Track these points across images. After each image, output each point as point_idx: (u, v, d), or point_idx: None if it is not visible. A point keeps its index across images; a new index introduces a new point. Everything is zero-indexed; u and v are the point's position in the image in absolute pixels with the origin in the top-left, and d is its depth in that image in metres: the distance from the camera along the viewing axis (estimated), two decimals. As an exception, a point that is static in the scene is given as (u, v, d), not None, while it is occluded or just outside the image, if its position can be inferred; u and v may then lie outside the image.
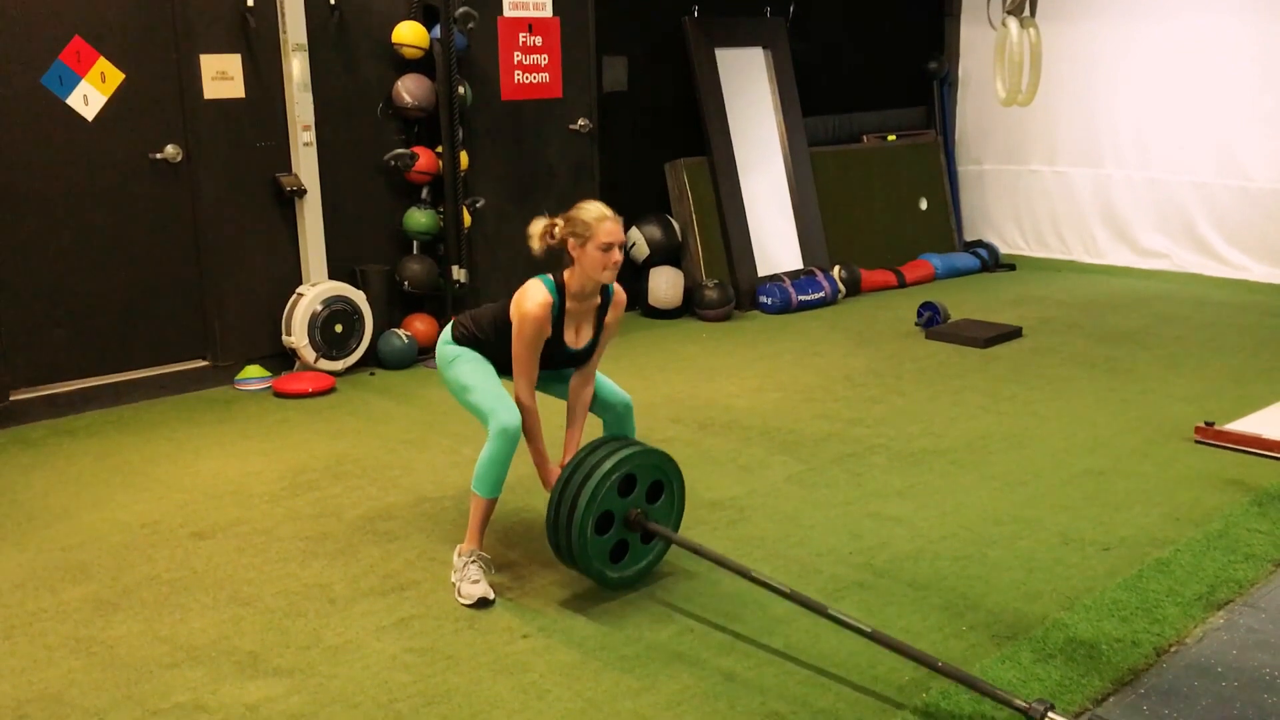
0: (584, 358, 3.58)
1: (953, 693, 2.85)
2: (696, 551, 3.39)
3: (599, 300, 3.51)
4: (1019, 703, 2.65)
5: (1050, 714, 2.61)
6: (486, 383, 3.49)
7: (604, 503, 3.29)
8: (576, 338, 3.51)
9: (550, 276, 3.44)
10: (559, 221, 3.41)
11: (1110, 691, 2.86)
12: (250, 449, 4.81)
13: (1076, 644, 3.07)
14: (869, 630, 2.94)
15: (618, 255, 3.35)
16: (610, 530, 3.37)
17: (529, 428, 3.52)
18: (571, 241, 3.36)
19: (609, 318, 3.56)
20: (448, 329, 3.66)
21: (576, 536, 3.27)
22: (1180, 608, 3.26)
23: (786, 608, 3.32)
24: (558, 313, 3.42)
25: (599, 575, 3.39)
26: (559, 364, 3.56)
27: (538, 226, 3.44)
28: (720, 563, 3.33)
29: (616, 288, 3.56)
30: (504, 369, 3.56)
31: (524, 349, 3.41)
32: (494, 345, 3.54)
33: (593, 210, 3.37)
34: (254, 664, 3.07)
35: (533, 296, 3.37)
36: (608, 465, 3.29)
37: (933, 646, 3.07)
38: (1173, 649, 3.07)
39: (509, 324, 3.45)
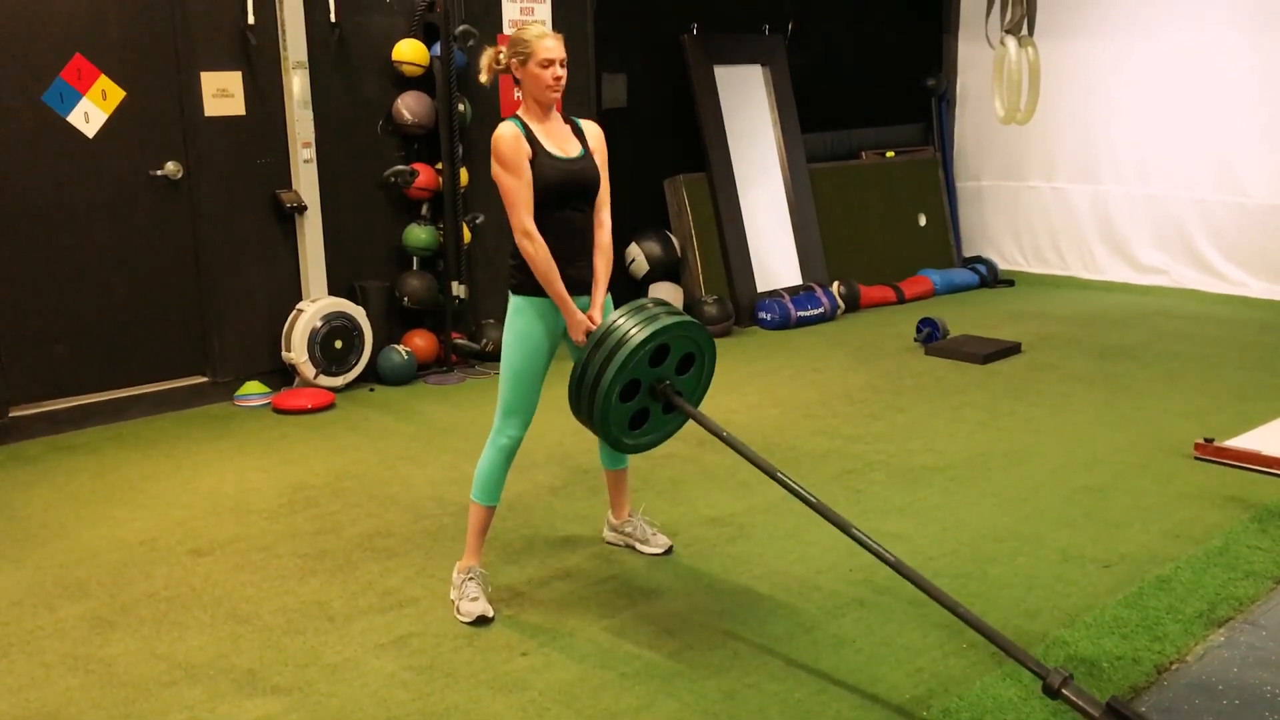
0: (584, 177, 3.41)
1: (954, 711, 2.84)
2: (716, 434, 3.31)
3: (570, 127, 3.47)
4: (1035, 666, 2.71)
5: (1068, 686, 2.63)
6: (525, 380, 3.39)
7: (634, 372, 3.22)
8: (562, 149, 3.40)
9: (507, 117, 3.42)
10: (503, 47, 3.41)
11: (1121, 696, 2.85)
12: (249, 465, 4.81)
13: (1077, 661, 3.06)
14: (892, 559, 2.96)
15: (559, 71, 3.34)
16: (635, 398, 3.31)
17: (540, 261, 3.31)
18: (514, 63, 3.36)
19: (591, 138, 3.50)
20: (510, 275, 3.50)
21: (601, 402, 3.20)
22: (1181, 625, 3.25)
23: (785, 625, 3.31)
24: (528, 134, 3.35)
25: (614, 440, 3.34)
26: (562, 190, 3.37)
27: (485, 56, 3.46)
28: (742, 453, 3.27)
29: (587, 120, 3.55)
30: (567, 260, 3.37)
31: (510, 176, 3.31)
32: (543, 243, 3.34)
33: (533, 29, 3.37)
34: (252, 682, 3.06)
35: (499, 128, 3.34)
36: (643, 335, 3.19)
37: (933, 664, 3.07)
38: (1173, 667, 3.06)
39: (533, 210, 3.32)
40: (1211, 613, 3.33)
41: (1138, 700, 2.90)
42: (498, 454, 3.42)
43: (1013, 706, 2.84)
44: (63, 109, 5.19)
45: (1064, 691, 2.65)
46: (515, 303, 3.44)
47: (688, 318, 3.33)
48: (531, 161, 3.32)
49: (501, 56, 3.41)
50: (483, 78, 3.49)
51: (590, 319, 3.41)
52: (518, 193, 3.32)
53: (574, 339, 3.41)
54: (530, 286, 3.40)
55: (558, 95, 3.38)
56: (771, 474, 3.23)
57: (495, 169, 3.34)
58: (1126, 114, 8.24)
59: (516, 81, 3.41)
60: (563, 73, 3.36)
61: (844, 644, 3.20)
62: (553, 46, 3.34)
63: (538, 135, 3.37)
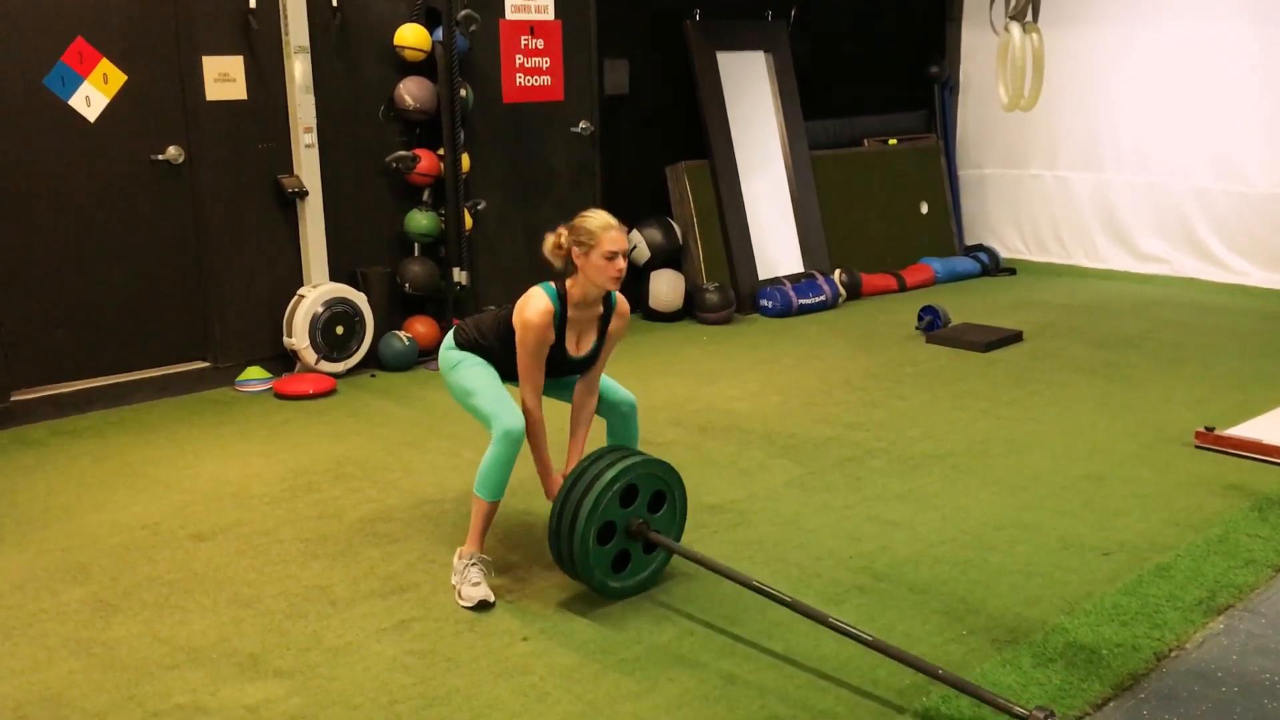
0: (586, 365, 3.58)
1: (953, 697, 2.85)
2: (698, 561, 3.39)
3: (601, 309, 3.52)
4: (1019, 710, 2.65)
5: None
6: (489, 387, 3.49)
7: (605, 513, 3.29)
8: (578, 346, 3.52)
9: (552, 285, 3.45)
10: (563, 231, 3.43)
11: (1110, 697, 2.87)
12: (251, 450, 4.81)
13: (1077, 649, 3.07)
14: (870, 639, 2.94)
15: (622, 263, 3.37)
16: (612, 540, 3.37)
17: (534, 435, 3.53)
18: (576, 250, 3.38)
19: (613, 327, 3.57)
20: (450, 335, 3.66)
21: (579, 547, 3.27)
22: (1180, 613, 3.26)
23: (785, 611, 3.32)
24: (559, 321, 3.43)
25: (600, 585, 3.38)
26: (562, 372, 3.57)
27: (549, 243, 3.47)
28: (722, 573, 3.32)
29: (620, 297, 3.57)
30: (507, 374, 3.56)
31: (528, 357, 3.43)
32: (497, 351, 3.55)
33: (597, 219, 3.39)
34: (254, 666, 3.07)
35: (534, 305, 3.39)
36: (609, 475, 3.28)
37: (933, 650, 3.08)
38: (1173, 654, 3.07)
39: (512, 331, 3.46)
40: (1211, 600, 3.34)
41: (1137, 688, 2.91)
42: (501, 449, 3.40)
43: (1012, 692, 2.85)
44: (64, 93, 5.18)
45: None
46: (456, 355, 3.57)
47: (652, 457, 3.42)
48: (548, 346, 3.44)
49: (563, 240, 3.42)
50: (553, 262, 3.49)
51: (563, 474, 3.56)
52: (531, 375, 3.46)
53: (549, 498, 3.59)
54: (482, 353, 3.55)
55: (618, 285, 3.42)
56: (746, 583, 3.24)
57: (517, 333, 3.43)
58: (1129, 102, 8.23)
59: (574, 265, 3.41)
60: (625, 265, 3.39)
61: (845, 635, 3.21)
62: (617, 238, 3.36)
63: (567, 326, 3.46)
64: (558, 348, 3.47)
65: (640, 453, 3.45)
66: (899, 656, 2.89)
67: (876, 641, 2.93)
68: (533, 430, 3.51)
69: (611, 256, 3.35)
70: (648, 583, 3.51)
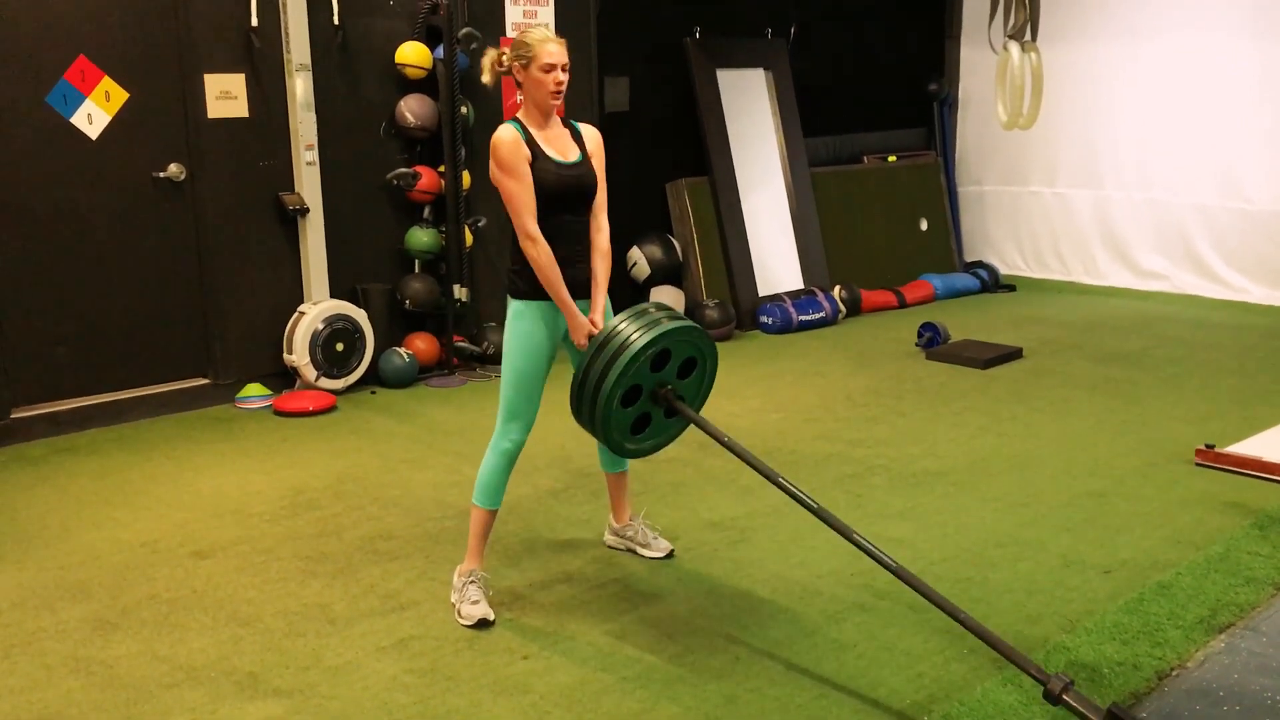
0: (582, 183, 3.42)
1: (955, 716, 2.84)
2: (718, 439, 3.31)
3: (568, 131, 3.47)
4: (1038, 672, 2.70)
5: (1069, 692, 2.62)
6: (527, 383, 3.39)
7: (635, 377, 3.22)
8: (562, 154, 3.41)
9: (507, 119, 3.42)
10: (506, 49, 3.41)
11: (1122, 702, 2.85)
12: (251, 468, 4.81)
13: (1078, 667, 3.06)
14: (893, 564, 2.96)
15: (561, 77, 3.34)
16: (636, 403, 3.31)
17: (544, 264, 3.32)
18: (517, 66, 3.36)
19: (590, 142, 3.50)
20: (508, 282, 3.50)
21: (602, 407, 3.21)
22: (1181, 631, 3.26)
23: (786, 630, 3.32)
24: (528, 139, 3.35)
25: (616, 445, 3.34)
26: (561, 195, 3.38)
27: (487, 57, 3.46)
28: (743, 458, 3.28)
29: (586, 125, 3.55)
30: (564, 274, 3.37)
31: (511, 180, 3.31)
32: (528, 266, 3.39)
33: (536, 33, 3.37)
34: (253, 684, 3.06)
35: (498, 132, 3.34)
36: (645, 340, 3.18)
37: (934, 669, 3.07)
38: (1174, 673, 3.06)
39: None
40: (1212, 619, 3.33)
41: (1138, 706, 2.90)
42: (500, 458, 3.42)
43: (1014, 712, 2.84)
44: (66, 110, 5.19)
45: (1065, 698, 2.65)
46: (515, 307, 3.44)
47: (689, 322, 3.33)
48: (531, 165, 3.33)
49: (504, 58, 3.41)
50: (485, 78, 3.50)
51: (592, 322, 3.42)
52: (519, 196, 3.32)
53: (576, 342, 3.41)
54: (530, 290, 3.40)
55: (559, 101, 3.38)
56: (773, 479, 3.23)
57: (494, 172, 3.35)
58: (1128, 119, 8.25)
59: (518, 84, 3.41)
60: (564, 78, 3.36)
61: (845, 649, 3.20)
62: (555, 51, 3.34)
63: (537, 139, 3.37)
64: (541, 158, 3.34)
65: (677, 315, 3.34)
66: (923, 591, 2.94)
67: (899, 570, 2.97)
68: (542, 258, 3.31)
69: (549, 69, 3.32)
70: (662, 445, 3.48)
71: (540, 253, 3.32)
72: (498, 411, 3.45)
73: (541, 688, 3.02)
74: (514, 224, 3.36)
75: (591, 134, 3.54)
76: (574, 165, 3.42)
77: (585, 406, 3.28)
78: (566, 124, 3.50)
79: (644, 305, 3.36)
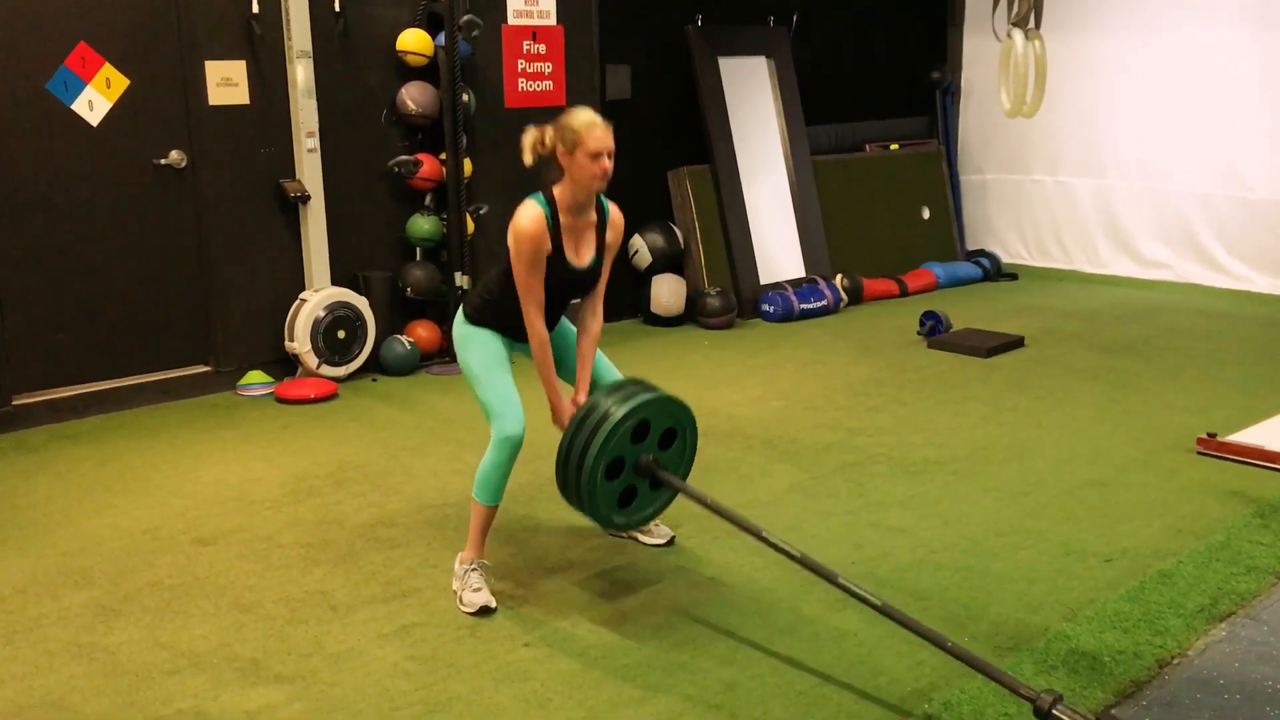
0: (589, 279, 3.46)
1: (955, 703, 2.84)
2: (703, 504, 3.34)
3: (595, 217, 3.43)
4: (1026, 690, 2.66)
5: (1059, 706, 2.61)
6: (497, 378, 3.41)
7: (616, 449, 3.24)
8: (578, 254, 3.40)
9: (540, 194, 3.35)
10: (549, 129, 3.33)
11: (1112, 704, 2.86)
12: (252, 455, 4.81)
13: (1079, 655, 3.07)
14: (879, 603, 2.95)
15: (607, 163, 3.27)
16: (620, 475, 3.33)
17: (543, 358, 3.41)
18: (560, 150, 3.28)
19: (609, 238, 3.47)
20: (460, 309, 3.55)
21: (587, 481, 3.23)
22: (1182, 620, 3.26)
23: (787, 618, 3.32)
24: (554, 228, 3.32)
25: (605, 519, 3.36)
26: (565, 290, 3.44)
27: (529, 137, 3.37)
28: (728, 518, 3.30)
29: (613, 207, 3.50)
30: (521, 330, 3.43)
31: (525, 268, 3.30)
32: (506, 301, 3.41)
33: (582, 117, 3.28)
34: (255, 671, 3.07)
35: (526, 213, 3.28)
36: (623, 411, 3.21)
37: (934, 657, 3.07)
38: (1175, 661, 3.06)
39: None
40: (1213, 607, 3.33)
41: (1139, 695, 2.90)
42: (500, 452, 3.40)
43: (1014, 699, 2.85)
44: (67, 97, 5.18)
45: (1055, 712, 2.63)
46: (467, 330, 3.48)
47: (666, 393, 3.36)
48: (546, 258, 3.32)
49: (547, 139, 3.32)
50: (526, 159, 3.40)
51: (575, 402, 3.47)
52: (531, 289, 3.34)
53: (558, 426, 3.46)
54: (490, 322, 3.46)
55: (604, 186, 3.33)
56: (757, 534, 3.23)
57: (511, 247, 3.32)
58: (1131, 108, 8.23)
59: (559, 166, 3.32)
60: (610, 164, 3.28)
61: (845, 637, 3.21)
62: (601, 137, 3.26)
63: (561, 234, 3.34)
64: (558, 258, 3.34)
65: (654, 387, 3.37)
66: (906, 624, 2.91)
67: (885, 606, 2.95)
68: (541, 353, 3.40)
69: (596, 156, 3.24)
70: (651, 517, 3.52)
71: (539, 346, 3.40)
72: (484, 416, 3.45)
73: (543, 675, 3.03)
74: (521, 305, 3.36)
75: (615, 224, 3.50)
76: (584, 270, 3.43)
77: (571, 482, 3.31)
78: (598, 205, 3.44)
79: (620, 380, 3.42)
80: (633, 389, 3.34)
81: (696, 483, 4.40)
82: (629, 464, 3.33)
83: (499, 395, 3.40)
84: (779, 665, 3.07)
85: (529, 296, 3.35)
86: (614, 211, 3.50)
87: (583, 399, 3.47)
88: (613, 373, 3.64)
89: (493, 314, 3.46)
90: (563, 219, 3.34)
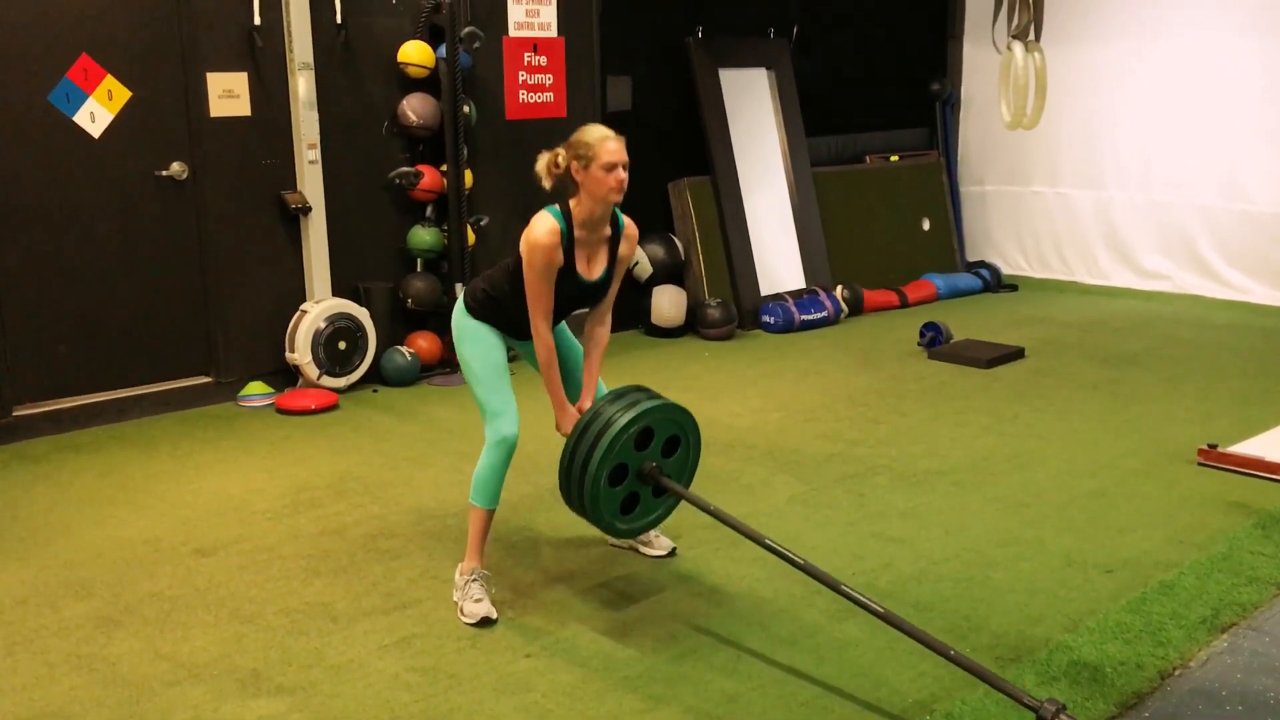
0: (599, 292, 3.47)
1: (957, 715, 2.84)
2: (707, 510, 3.34)
3: (609, 231, 3.44)
4: (1029, 700, 2.66)
5: (1062, 716, 2.61)
6: (494, 377, 3.42)
7: (619, 455, 3.25)
8: (589, 268, 3.41)
9: (556, 206, 3.35)
10: (561, 150, 3.34)
11: (1114, 715, 2.86)
12: (253, 466, 4.81)
13: (1080, 667, 3.06)
14: (881, 610, 2.95)
15: (622, 175, 3.28)
16: (623, 482, 3.33)
17: (548, 366, 3.41)
18: (575, 165, 3.29)
19: (622, 251, 3.47)
20: (461, 297, 3.55)
21: (590, 487, 3.23)
22: (1184, 631, 3.25)
23: (789, 628, 3.32)
24: (567, 242, 3.33)
25: (608, 526, 3.36)
26: (573, 301, 3.45)
27: (542, 161, 3.38)
28: (731, 525, 3.30)
29: (627, 220, 3.50)
30: (522, 329, 3.44)
31: (536, 278, 3.30)
32: (510, 299, 3.42)
33: (595, 132, 3.31)
34: (256, 682, 3.06)
35: (541, 225, 3.28)
36: (626, 418, 3.22)
37: (936, 668, 3.07)
38: (1177, 672, 3.06)
39: (522, 273, 3.35)
40: (1215, 618, 3.33)
41: (1141, 706, 2.90)
42: (495, 454, 3.41)
43: (1015, 711, 2.84)
44: (69, 109, 5.20)
45: None
46: (465, 324, 3.48)
47: (670, 401, 3.37)
48: (558, 270, 3.33)
49: (560, 159, 3.34)
50: (545, 184, 3.40)
51: (579, 409, 3.49)
52: (540, 298, 3.34)
53: (561, 432, 3.46)
54: (492, 319, 3.46)
55: (620, 198, 3.33)
56: (759, 541, 3.24)
57: (524, 256, 3.32)
58: (1131, 120, 8.24)
59: (574, 183, 3.32)
60: (625, 176, 3.29)
61: (847, 647, 3.20)
62: (615, 149, 3.27)
63: (575, 248, 3.35)
64: (569, 271, 3.35)
65: (657, 395, 3.38)
66: (910, 632, 2.92)
67: (888, 614, 2.95)
68: (547, 360, 3.41)
69: (611, 168, 3.26)
70: (654, 524, 3.52)
71: (546, 353, 3.40)
72: (481, 418, 3.45)
73: (544, 686, 3.02)
74: (529, 313, 3.36)
75: (630, 237, 3.51)
76: (594, 284, 3.45)
77: (574, 488, 3.32)
78: (612, 219, 3.45)
79: (623, 388, 3.41)
80: (636, 395, 3.34)
81: (697, 493, 4.40)
82: (632, 471, 3.34)
83: (495, 393, 3.41)
84: (781, 676, 3.06)
85: (538, 305, 3.35)
86: (629, 225, 3.51)
87: (587, 405, 3.48)
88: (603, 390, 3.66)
89: (495, 311, 3.46)
90: (577, 233, 3.35)
